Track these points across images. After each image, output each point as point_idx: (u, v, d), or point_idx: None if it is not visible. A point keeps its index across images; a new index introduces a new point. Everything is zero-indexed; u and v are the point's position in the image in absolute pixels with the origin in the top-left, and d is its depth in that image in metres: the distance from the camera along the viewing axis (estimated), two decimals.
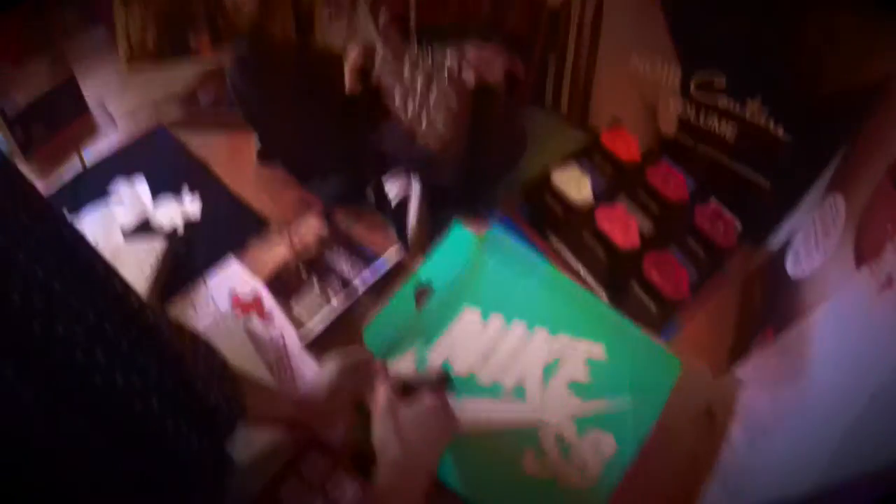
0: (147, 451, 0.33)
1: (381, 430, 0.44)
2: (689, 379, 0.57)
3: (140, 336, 0.34)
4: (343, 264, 0.70)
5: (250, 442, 0.54)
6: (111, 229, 0.78)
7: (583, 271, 0.64)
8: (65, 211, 0.81)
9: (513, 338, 0.55)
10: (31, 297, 0.27)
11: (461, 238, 0.60)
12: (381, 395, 0.46)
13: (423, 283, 0.58)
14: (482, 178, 0.71)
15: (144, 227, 0.78)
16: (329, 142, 0.71)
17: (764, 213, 0.70)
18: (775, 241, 0.70)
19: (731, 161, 0.71)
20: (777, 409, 0.53)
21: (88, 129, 0.94)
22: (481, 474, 0.50)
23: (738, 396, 0.61)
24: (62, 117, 0.93)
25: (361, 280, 0.67)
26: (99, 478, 0.30)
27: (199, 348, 0.42)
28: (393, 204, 0.71)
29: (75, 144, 0.90)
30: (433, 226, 0.70)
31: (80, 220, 0.80)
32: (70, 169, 0.87)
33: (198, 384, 0.37)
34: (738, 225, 0.72)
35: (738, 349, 0.67)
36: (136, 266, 0.70)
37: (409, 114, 0.67)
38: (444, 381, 0.47)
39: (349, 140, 0.70)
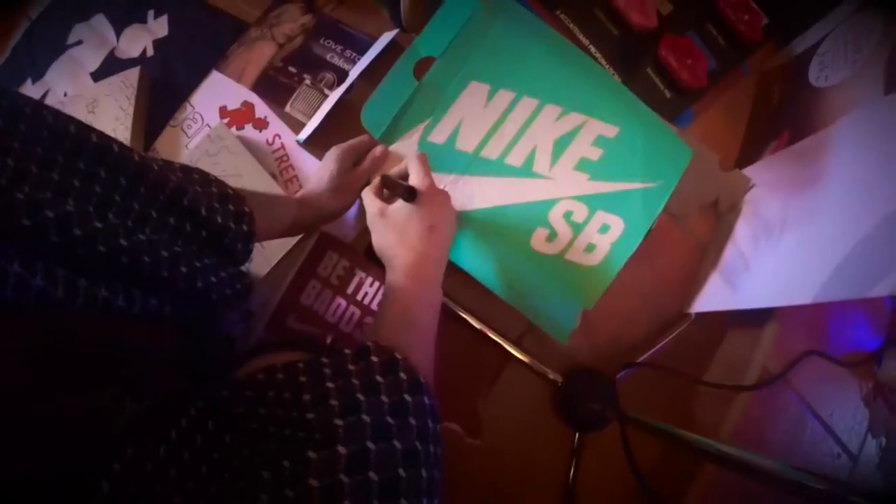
0: (169, 299, 0.34)
1: (376, 236, 0.44)
2: (699, 168, 0.56)
3: (131, 183, 0.33)
4: (333, 54, 0.64)
5: (266, 253, 0.55)
6: (79, 76, 0.73)
7: (593, 49, 0.60)
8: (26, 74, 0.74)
9: (523, 114, 0.52)
10: (11, 192, 0.26)
11: (461, 2, 0.53)
12: (368, 202, 0.45)
13: (422, 56, 0.53)
14: None
15: (114, 63, 0.72)
16: None
17: (793, 11, 0.66)
18: (801, 43, 0.67)
19: None
20: (785, 214, 0.52)
21: None
22: (489, 252, 0.50)
23: (746, 195, 0.61)
24: None
25: (355, 68, 0.61)
26: (128, 337, 0.31)
27: (192, 176, 0.40)
28: None
29: (22, 9, 0.80)
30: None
31: (43, 77, 0.74)
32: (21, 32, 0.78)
33: (201, 212, 0.36)
34: (764, 19, 0.66)
35: (750, 148, 0.66)
36: (116, 104, 0.66)
37: None
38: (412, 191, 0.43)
39: None
